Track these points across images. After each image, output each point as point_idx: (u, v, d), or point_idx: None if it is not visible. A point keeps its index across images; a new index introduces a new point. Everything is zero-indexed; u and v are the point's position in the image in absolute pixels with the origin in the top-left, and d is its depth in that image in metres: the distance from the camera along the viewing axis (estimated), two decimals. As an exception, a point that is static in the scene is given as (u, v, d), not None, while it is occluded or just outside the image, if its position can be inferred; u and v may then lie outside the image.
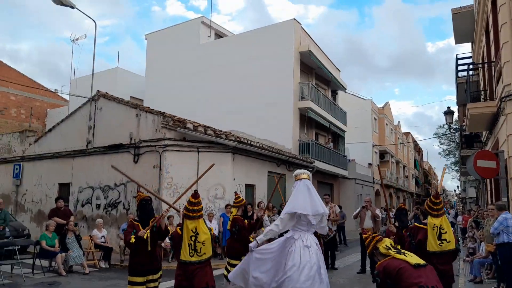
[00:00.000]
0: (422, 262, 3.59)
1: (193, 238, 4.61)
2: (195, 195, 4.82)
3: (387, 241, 3.88)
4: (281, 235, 5.26)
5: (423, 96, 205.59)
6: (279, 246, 4.94)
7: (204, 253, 4.63)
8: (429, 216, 5.31)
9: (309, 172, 5.47)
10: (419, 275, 3.40)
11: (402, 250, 3.80)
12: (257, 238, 5.10)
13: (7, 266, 8.74)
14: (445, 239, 5.17)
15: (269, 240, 5.27)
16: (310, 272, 4.66)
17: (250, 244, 5.03)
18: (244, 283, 5.13)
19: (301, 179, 5.21)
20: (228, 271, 7.19)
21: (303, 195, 5.03)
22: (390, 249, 3.73)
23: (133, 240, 5.32)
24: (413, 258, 3.61)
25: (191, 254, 4.63)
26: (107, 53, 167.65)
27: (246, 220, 7.41)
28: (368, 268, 9.44)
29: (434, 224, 5.23)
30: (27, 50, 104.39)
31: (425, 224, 5.31)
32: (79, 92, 16.05)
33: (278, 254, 4.91)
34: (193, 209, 4.70)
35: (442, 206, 5.50)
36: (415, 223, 5.47)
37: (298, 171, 5.41)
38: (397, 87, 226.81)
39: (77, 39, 23.08)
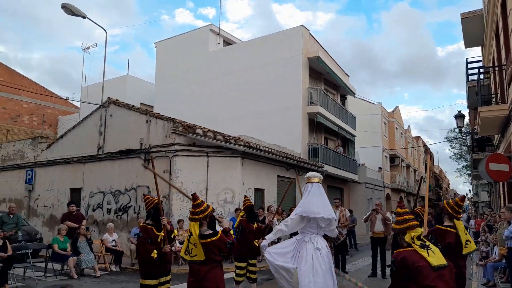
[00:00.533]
0: (443, 263, 3.43)
1: (188, 238, 4.71)
2: (193, 198, 4.86)
3: (419, 231, 3.58)
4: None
5: (434, 100, 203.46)
6: (293, 245, 4.96)
7: (196, 255, 4.65)
8: (454, 220, 5.10)
9: (321, 176, 5.47)
10: (436, 279, 3.31)
11: (427, 243, 3.56)
12: (266, 237, 5.13)
13: (20, 269, 8.88)
14: (468, 240, 5.09)
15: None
16: (324, 273, 4.70)
17: (262, 244, 5.03)
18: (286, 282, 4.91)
19: (313, 182, 5.23)
20: (237, 275, 7.21)
21: (316, 198, 5.04)
22: (414, 242, 3.55)
23: (155, 255, 5.40)
24: (434, 258, 3.41)
25: (185, 252, 4.73)
26: (117, 61, 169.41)
27: (255, 224, 7.40)
28: (379, 271, 9.38)
29: (464, 227, 5.15)
30: (39, 59, 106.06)
31: (449, 226, 5.08)
32: (90, 99, 16.23)
33: (292, 251, 4.93)
34: (191, 211, 4.77)
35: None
36: (437, 225, 5.29)
37: (310, 173, 5.40)
38: (407, 91, 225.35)
39: (88, 48, 23.52)
